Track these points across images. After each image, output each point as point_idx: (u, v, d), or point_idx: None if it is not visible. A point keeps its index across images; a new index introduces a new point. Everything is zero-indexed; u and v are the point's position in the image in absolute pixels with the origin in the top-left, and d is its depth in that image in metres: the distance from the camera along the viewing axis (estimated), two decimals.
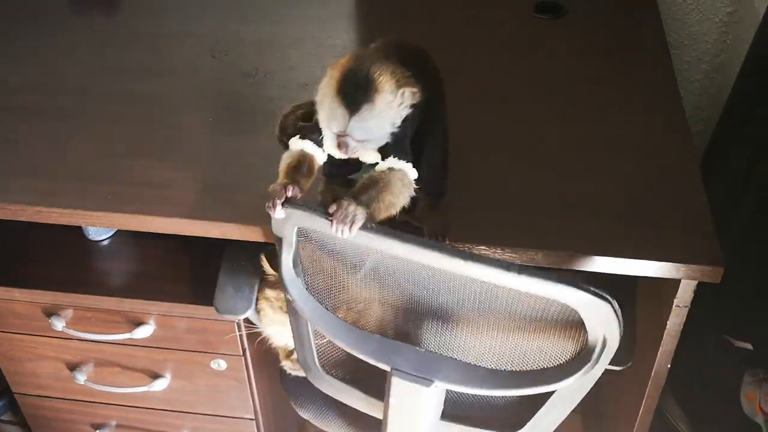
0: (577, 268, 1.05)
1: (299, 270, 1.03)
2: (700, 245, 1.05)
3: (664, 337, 1.10)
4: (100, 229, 1.36)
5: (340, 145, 0.96)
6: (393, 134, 0.97)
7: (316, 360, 1.15)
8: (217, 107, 1.34)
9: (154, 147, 1.25)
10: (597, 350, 0.90)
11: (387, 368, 1.02)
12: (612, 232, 1.08)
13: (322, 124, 0.98)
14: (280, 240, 1.00)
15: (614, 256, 1.04)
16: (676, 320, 1.09)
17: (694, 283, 1.04)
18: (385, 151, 0.99)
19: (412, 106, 0.96)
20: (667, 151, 1.21)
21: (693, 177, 1.16)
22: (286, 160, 1.01)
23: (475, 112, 1.30)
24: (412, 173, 1.00)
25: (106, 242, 1.37)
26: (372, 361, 1.03)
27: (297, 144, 1.02)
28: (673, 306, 1.07)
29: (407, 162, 0.99)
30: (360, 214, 0.92)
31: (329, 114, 0.95)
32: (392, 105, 0.94)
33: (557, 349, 0.95)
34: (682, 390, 1.57)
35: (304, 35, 1.48)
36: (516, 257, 1.06)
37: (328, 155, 1.02)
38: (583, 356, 0.92)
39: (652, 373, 1.16)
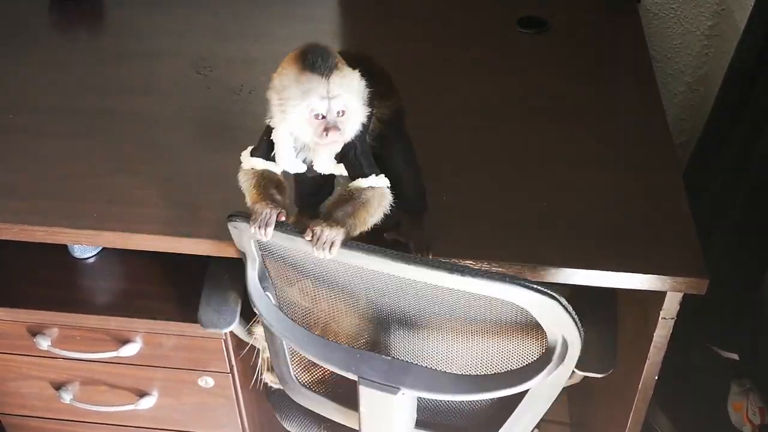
0: (563, 282, 1.06)
1: (267, 284, 1.04)
2: (684, 257, 1.06)
3: (650, 349, 1.11)
4: (85, 247, 1.35)
5: (325, 130, 0.92)
6: (358, 141, 0.96)
7: (292, 373, 1.16)
8: (202, 124, 1.34)
9: (139, 165, 1.24)
10: (558, 350, 0.92)
11: (354, 377, 1.03)
12: (597, 246, 1.08)
13: (294, 112, 0.92)
14: (243, 254, 1.01)
15: (600, 269, 1.05)
16: (662, 332, 1.09)
17: (680, 295, 1.05)
18: (354, 167, 0.98)
19: (369, 105, 0.95)
20: (651, 164, 1.22)
21: (676, 190, 1.17)
22: (250, 179, 1.00)
23: (459, 127, 1.31)
24: (386, 183, 0.99)
25: (91, 260, 1.36)
26: (339, 371, 1.05)
27: (249, 161, 1.01)
28: (659, 318, 1.07)
29: (378, 175, 0.98)
30: (338, 236, 0.91)
31: (302, 92, 0.91)
32: (356, 78, 0.93)
33: (521, 351, 0.97)
34: (669, 401, 1.57)
35: (289, 50, 1.48)
36: (502, 271, 1.06)
37: (291, 175, 1.01)
38: (545, 357, 0.94)
39: (640, 385, 1.16)
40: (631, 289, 1.06)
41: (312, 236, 0.91)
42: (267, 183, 1.00)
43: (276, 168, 1.00)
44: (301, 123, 0.93)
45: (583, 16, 1.57)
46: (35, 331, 1.31)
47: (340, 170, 1.00)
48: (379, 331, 1.05)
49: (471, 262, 1.06)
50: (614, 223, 1.12)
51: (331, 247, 0.91)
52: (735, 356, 1.56)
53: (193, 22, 1.58)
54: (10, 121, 1.34)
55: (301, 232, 0.93)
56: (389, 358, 1.03)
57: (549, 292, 0.86)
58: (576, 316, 0.89)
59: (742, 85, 1.43)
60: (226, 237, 1.10)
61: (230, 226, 1.00)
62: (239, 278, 1.16)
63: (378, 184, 0.98)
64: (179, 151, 1.28)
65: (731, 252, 1.47)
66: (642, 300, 1.14)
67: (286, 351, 1.15)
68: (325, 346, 1.06)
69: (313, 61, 0.90)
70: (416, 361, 1.04)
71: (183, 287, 1.30)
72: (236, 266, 1.18)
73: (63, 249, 1.35)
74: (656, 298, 1.08)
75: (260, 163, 1.00)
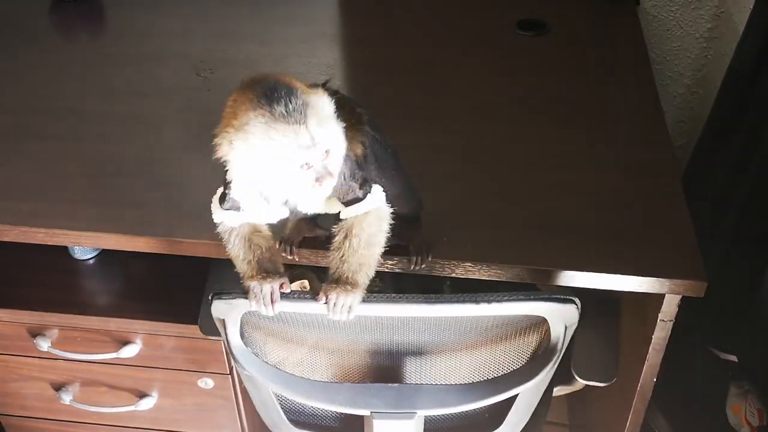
0: (561, 284, 1.06)
1: (246, 340, 1.00)
2: (683, 260, 1.06)
3: (649, 352, 1.11)
4: (85, 249, 1.35)
5: (317, 179, 0.83)
6: (343, 164, 0.87)
7: (284, 417, 1.12)
8: (202, 126, 1.33)
9: (140, 167, 1.24)
10: (560, 343, 0.93)
11: (366, 413, 1.01)
12: (596, 248, 1.08)
13: (273, 174, 0.83)
14: (221, 320, 0.96)
15: (598, 271, 1.05)
16: (660, 334, 1.09)
17: (678, 297, 1.05)
18: (346, 193, 0.90)
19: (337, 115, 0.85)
20: (650, 166, 1.22)
21: (675, 192, 1.17)
22: (236, 246, 0.92)
23: (458, 128, 1.31)
24: (381, 197, 0.92)
25: (91, 261, 1.36)
26: (348, 410, 1.02)
27: (219, 215, 0.92)
28: (658, 320, 1.08)
29: (369, 190, 0.91)
30: (354, 301, 0.89)
31: (280, 150, 0.80)
32: (325, 102, 0.82)
33: (523, 347, 0.97)
34: (668, 403, 1.57)
35: (289, 54, 1.49)
36: (502, 273, 1.06)
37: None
38: (549, 351, 0.94)
39: (638, 387, 1.16)
40: (629, 291, 1.06)
41: (327, 302, 0.89)
42: (255, 247, 0.92)
43: (249, 219, 0.92)
44: (284, 181, 0.83)
45: (583, 18, 1.57)
46: (35, 333, 1.31)
47: (333, 207, 0.92)
48: (389, 362, 1.04)
49: (470, 264, 1.06)
50: (613, 225, 1.12)
51: (349, 311, 0.89)
52: (734, 358, 1.56)
53: (193, 23, 1.58)
54: (10, 122, 1.34)
55: (313, 298, 0.90)
56: (396, 384, 1.02)
57: (569, 298, 0.88)
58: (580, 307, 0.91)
59: (742, 87, 1.43)
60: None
61: (218, 303, 0.94)
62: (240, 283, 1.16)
63: (374, 204, 0.91)
64: (180, 153, 1.28)
65: (730, 253, 1.47)
66: (641, 302, 1.14)
67: (274, 398, 1.09)
68: (329, 389, 1.02)
69: (282, 109, 0.78)
70: (424, 380, 1.03)
71: (183, 289, 1.30)
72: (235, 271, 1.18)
73: (63, 250, 1.35)
74: (655, 300, 1.08)
75: (233, 218, 0.92)
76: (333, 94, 0.87)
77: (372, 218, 0.91)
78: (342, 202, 0.91)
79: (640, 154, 1.25)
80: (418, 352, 1.01)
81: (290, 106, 0.79)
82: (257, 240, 0.93)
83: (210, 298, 0.94)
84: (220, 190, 0.93)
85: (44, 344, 1.30)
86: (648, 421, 1.58)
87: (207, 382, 1.34)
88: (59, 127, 1.33)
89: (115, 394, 1.38)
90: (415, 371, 1.03)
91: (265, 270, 0.91)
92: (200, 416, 1.40)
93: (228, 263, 1.15)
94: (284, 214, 0.92)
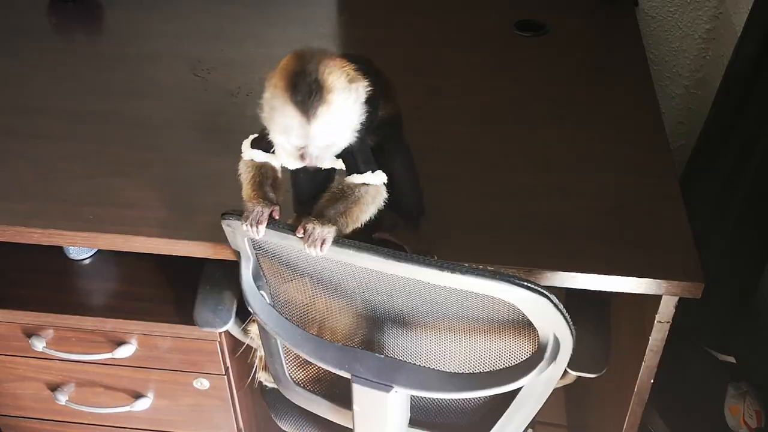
0: (558, 285, 1.06)
1: (262, 283, 1.05)
2: (680, 261, 1.06)
3: (646, 353, 1.11)
4: (80, 249, 1.35)
5: (303, 156, 0.92)
6: (356, 137, 0.94)
7: (287, 372, 1.16)
8: (199, 126, 1.34)
9: (136, 167, 1.24)
10: (549, 348, 0.92)
11: (348, 375, 1.04)
12: (593, 249, 1.08)
13: (277, 139, 0.94)
14: (238, 253, 1.02)
15: (596, 272, 1.05)
16: (658, 336, 1.09)
17: (675, 298, 1.05)
18: (350, 163, 0.97)
19: (366, 102, 0.93)
20: (648, 168, 1.22)
21: (673, 193, 1.17)
22: (248, 171, 1.00)
23: (456, 130, 1.31)
24: (382, 179, 0.98)
25: (87, 261, 1.36)
26: (332, 369, 1.05)
27: (247, 153, 1.01)
28: (655, 321, 1.07)
29: (375, 171, 0.98)
30: (329, 234, 0.92)
31: (285, 127, 0.91)
32: (348, 101, 0.91)
33: (514, 349, 0.97)
34: (665, 404, 1.57)
35: (286, 54, 1.48)
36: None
37: (292, 176, 1.02)
38: (537, 355, 0.94)
39: (636, 389, 1.16)
40: (627, 293, 1.06)
41: (303, 233, 0.92)
42: (263, 179, 1.00)
43: (275, 161, 1.00)
44: (282, 143, 0.94)
45: (581, 19, 1.57)
46: (30, 333, 1.31)
47: (340, 164, 0.99)
48: (374, 329, 1.05)
49: (466, 264, 1.05)
50: (610, 226, 1.12)
51: (322, 244, 0.91)
52: (732, 359, 1.56)
53: (190, 24, 1.58)
54: (5, 122, 1.34)
55: (293, 230, 0.93)
56: (382, 356, 1.04)
57: (540, 289, 0.87)
58: (567, 314, 0.89)
59: (741, 88, 1.43)
60: (221, 239, 1.10)
61: (224, 224, 1.00)
62: (234, 278, 1.17)
63: (372, 181, 0.97)
64: (176, 153, 1.28)
65: (729, 255, 1.47)
66: (638, 303, 1.14)
67: (281, 350, 1.15)
68: (319, 345, 1.06)
69: (300, 98, 0.88)
70: (409, 359, 1.04)
71: (178, 289, 1.30)
72: (232, 267, 1.18)
73: (58, 250, 1.35)
74: (652, 301, 1.08)
75: (259, 155, 1.00)
76: (364, 63, 0.96)
77: (368, 189, 0.97)
78: (346, 172, 0.98)
79: (637, 156, 1.25)
80: (406, 325, 1.02)
81: (306, 99, 0.88)
82: (267, 170, 1.00)
83: (221, 216, 0.99)
84: (253, 136, 1.02)
85: (39, 344, 1.30)
86: (645, 423, 1.58)
87: (202, 383, 1.34)
88: (54, 127, 1.32)
89: (111, 395, 1.38)
90: (402, 350, 1.04)
91: (264, 194, 0.97)
92: (196, 417, 1.40)
93: (221, 264, 1.16)
94: (300, 163, 0.97)
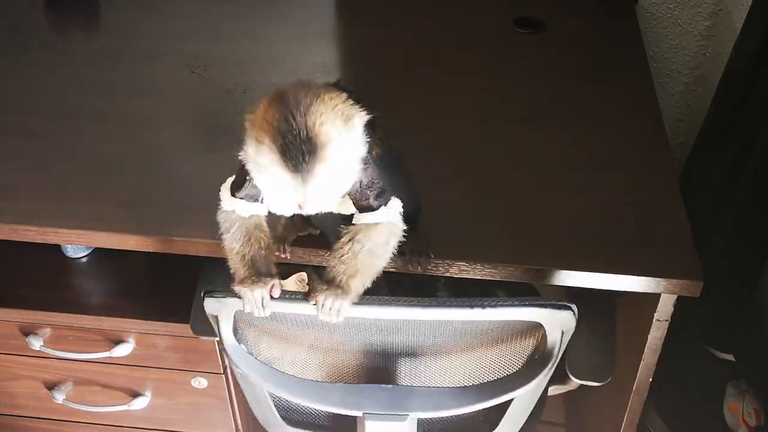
0: (556, 283, 1.05)
1: (239, 337, 0.99)
2: (679, 259, 1.05)
3: (645, 351, 1.10)
4: (78, 247, 1.35)
5: (301, 208, 0.83)
6: (361, 171, 0.85)
7: (277, 416, 1.11)
8: (196, 124, 1.33)
9: (132, 165, 1.23)
10: (557, 348, 0.92)
11: (358, 414, 1.00)
12: (592, 248, 1.08)
13: (269, 194, 0.85)
14: (214, 317, 0.96)
15: (594, 270, 1.04)
16: (656, 334, 1.09)
17: (674, 297, 1.05)
18: (360, 198, 0.89)
19: (366, 128, 0.83)
20: (647, 166, 1.22)
21: (672, 192, 1.16)
22: (232, 235, 0.92)
23: (454, 128, 1.30)
24: (396, 207, 0.91)
25: (84, 260, 1.36)
26: (340, 411, 1.01)
27: (229, 203, 0.92)
28: (654, 320, 1.07)
29: (387, 203, 0.90)
30: (345, 306, 0.88)
31: (280, 189, 0.81)
32: (346, 147, 0.80)
33: (518, 352, 0.97)
34: (664, 403, 1.57)
35: (285, 53, 1.48)
36: (495, 272, 1.06)
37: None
38: (546, 356, 0.93)
39: (634, 387, 1.15)
40: (626, 292, 1.05)
41: (316, 304, 0.88)
42: (251, 247, 0.92)
43: (261, 210, 0.92)
44: (271, 197, 0.86)
45: (581, 16, 1.56)
46: (27, 331, 1.30)
47: (346, 208, 0.91)
48: (382, 362, 1.03)
49: (464, 263, 1.05)
50: (609, 225, 1.11)
51: (338, 314, 0.88)
52: (731, 357, 1.55)
53: (188, 21, 1.57)
54: (3, 120, 1.33)
55: (304, 299, 0.89)
56: (390, 386, 1.01)
57: (566, 304, 0.87)
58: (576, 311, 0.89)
59: (740, 85, 1.42)
60: (219, 237, 1.09)
61: (211, 301, 0.93)
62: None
63: (388, 218, 0.90)
64: (173, 151, 1.27)
65: (728, 252, 1.46)
66: (637, 302, 1.14)
67: (268, 396, 1.07)
68: (321, 389, 1.01)
69: (293, 161, 0.78)
70: (418, 382, 1.02)
71: (176, 287, 1.29)
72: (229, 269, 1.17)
73: (56, 248, 1.34)
74: (651, 299, 1.07)
75: (244, 208, 0.91)
76: (343, 91, 0.85)
77: (382, 229, 0.90)
78: (356, 206, 0.90)
79: (637, 154, 1.24)
80: (413, 354, 1.00)
81: (302, 163, 0.78)
82: (258, 235, 0.92)
83: (202, 295, 0.94)
84: (231, 179, 0.93)
85: (36, 343, 1.29)
86: (644, 421, 1.57)
87: (200, 382, 1.33)
88: (51, 125, 1.32)
89: (108, 394, 1.37)
90: (408, 373, 1.03)
91: (258, 270, 0.91)
92: (194, 416, 1.40)
93: (220, 262, 1.15)
94: (296, 211, 0.89)
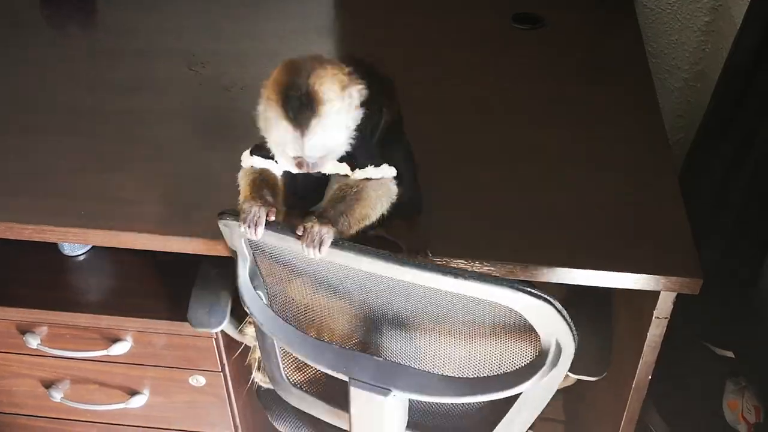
0: (555, 281, 1.05)
1: (259, 283, 1.03)
2: (678, 257, 1.05)
3: (644, 349, 1.10)
4: (75, 245, 1.34)
5: (300, 164, 0.94)
6: (355, 139, 0.94)
7: (283, 373, 1.15)
8: (194, 121, 1.33)
9: (130, 162, 1.23)
10: (551, 354, 0.91)
11: (345, 378, 1.03)
12: (591, 245, 1.07)
13: (275, 149, 0.96)
14: (235, 252, 1.01)
15: (593, 268, 1.04)
16: (656, 331, 1.08)
17: (674, 294, 1.04)
18: (353, 160, 0.96)
19: (363, 104, 0.93)
20: (646, 163, 1.21)
21: (671, 189, 1.16)
22: (246, 176, 1.00)
23: (452, 124, 1.29)
24: (389, 173, 0.97)
25: (81, 257, 1.35)
26: (329, 371, 1.04)
27: (247, 160, 1.01)
28: (653, 318, 1.06)
29: (379, 166, 0.97)
30: (328, 234, 0.90)
31: (280, 140, 0.92)
32: (341, 110, 0.91)
33: (515, 353, 0.96)
34: (663, 400, 1.57)
35: (282, 48, 1.47)
36: (494, 270, 1.05)
37: (286, 173, 1.01)
38: (538, 360, 0.93)
39: (633, 384, 1.15)
40: (625, 289, 1.05)
41: (302, 233, 0.90)
42: (261, 182, 0.99)
43: (276, 167, 1.00)
44: (277, 153, 0.96)
45: (579, 11, 1.55)
46: (25, 330, 1.30)
47: (344, 169, 0.98)
48: (372, 331, 1.04)
49: (462, 261, 1.05)
50: (608, 222, 1.11)
51: (320, 246, 0.90)
52: (730, 354, 1.55)
53: (185, 18, 1.57)
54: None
55: (292, 231, 0.92)
56: (380, 359, 1.02)
57: (543, 295, 0.85)
58: (570, 321, 0.88)
59: (740, 80, 1.42)
60: (217, 235, 1.08)
61: (221, 224, 0.99)
62: (230, 277, 1.16)
63: (376, 174, 0.96)
64: (170, 148, 1.26)
65: (728, 248, 1.46)
66: (636, 299, 1.13)
67: (278, 350, 1.14)
68: (316, 346, 1.05)
69: (290, 112, 0.89)
70: (408, 363, 1.03)
71: (174, 285, 1.29)
72: (227, 265, 1.17)
73: (53, 246, 1.34)
74: (650, 297, 1.07)
75: (259, 162, 1.00)
76: (363, 65, 0.96)
77: (375, 184, 0.96)
78: (351, 170, 0.97)
79: (635, 151, 1.24)
80: (405, 328, 1.00)
81: (298, 114, 0.89)
82: (266, 176, 1.00)
83: (218, 216, 0.98)
84: (251, 147, 1.01)
85: (33, 341, 1.29)
86: (643, 418, 1.57)
87: (198, 380, 1.33)
88: (47, 122, 1.31)
89: (106, 392, 1.37)
90: (401, 353, 1.03)
91: (261, 197, 0.96)
92: (192, 414, 1.39)
93: (217, 260, 1.15)
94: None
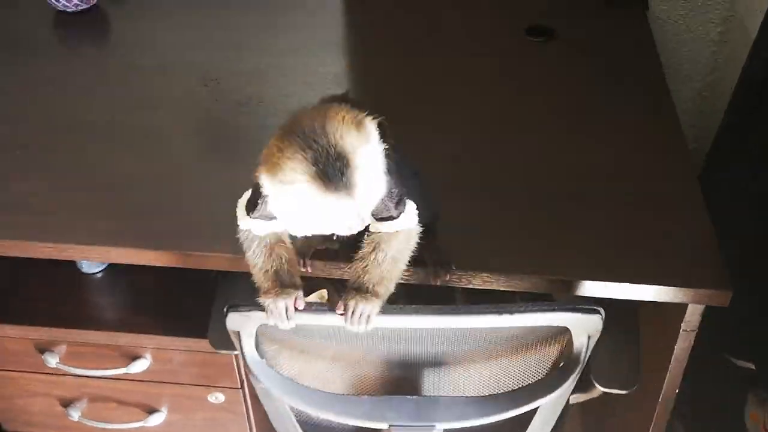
0: (581, 294, 1.04)
1: (261, 352, 0.98)
2: (705, 268, 1.04)
3: (672, 362, 1.09)
4: (93, 263, 1.33)
5: (351, 227, 0.83)
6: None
7: (299, 431, 1.10)
8: (211, 137, 1.32)
9: (148, 179, 1.22)
10: (583, 354, 0.90)
11: (384, 426, 0.99)
12: (616, 257, 1.07)
13: (311, 227, 0.85)
14: (236, 333, 0.94)
15: (618, 281, 1.03)
16: (683, 345, 1.07)
17: (702, 307, 1.03)
18: (380, 211, 0.89)
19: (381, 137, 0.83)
20: (667, 173, 1.21)
21: (695, 199, 1.15)
22: (253, 252, 0.92)
23: (470, 137, 1.29)
24: (412, 213, 0.91)
25: (99, 275, 1.34)
26: (366, 424, 0.99)
27: (246, 223, 0.92)
28: (681, 330, 1.06)
29: (403, 209, 0.90)
30: (373, 310, 0.87)
31: (330, 214, 0.80)
32: (370, 150, 0.80)
33: (543, 360, 0.95)
34: (685, 411, 1.55)
35: (296, 64, 1.48)
36: (519, 284, 1.04)
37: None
38: (571, 362, 0.92)
39: (660, 398, 1.14)
40: (650, 302, 1.04)
41: (345, 312, 0.87)
42: (273, 262, 0.91)
43: (280, 227, 0.91)
44: (320, 229, 0.86)
45: (592, 24, 1.56)
46: (43, 348, 1.29)
47: (370, 224, 0.90)
48: (408, 372, 1.02)
49: (487, 275, 1.04)
50: (633, 234, 1.10)
51: (367, 321, 0.87)
52: (751, 365, 1.53)
53: (198, 34, 1.57)
54: (16, 135, 1.32)
55: (330, 309, 0.88)
56: (415, 397, 1.00)
57: (594, 308, 0.86)
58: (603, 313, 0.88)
59: (756, 92, 1.41)
60: (235, 250, 1.08)
61: (233, 316, 0.92)
62: (251, 293, 1.15)
63: (406, 225, 0.90)
64: (188, 164, 1.26)
65: (746, 259, 1.45)
66: (662, 312, 1.12)
67: (290, 411, 1.06)
68: (349, 403, 1.00)
69: (335, 182, 0.77)
70: (443, 392, 1.01)
71: (193, 302, 1.28)
72: (247, 280, 1.16)
73: (71, 264, 1.33)
74: (677, 310, 1.06)
75: (260, 227, 0.91)
76: (352, 103, 0.86)
77: (402, 236, 0.90)
78: (375, 218, 0.90)
79: (655, 160, 1.23)
80: (437, 363, 0.99)
81: (342, 179, 0.77)
82: (279, 250, 0.92)
83: (225, 310, 0.93)
84: (247, 195, 0.92)
85: (52, 360, 1.28)
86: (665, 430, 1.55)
87: (217, 397, 1.32)
88: (66, 140, 1.31)
89: (125, 410, 1.36)
90: (433, 382, 1.01)
91: (282, 283, 0.90)
92: (210, 431, 1.38)
93: (238, 276, 1.14)
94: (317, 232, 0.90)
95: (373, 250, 0.90)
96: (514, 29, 1.53)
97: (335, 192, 0.78)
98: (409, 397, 0.99)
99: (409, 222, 0.91)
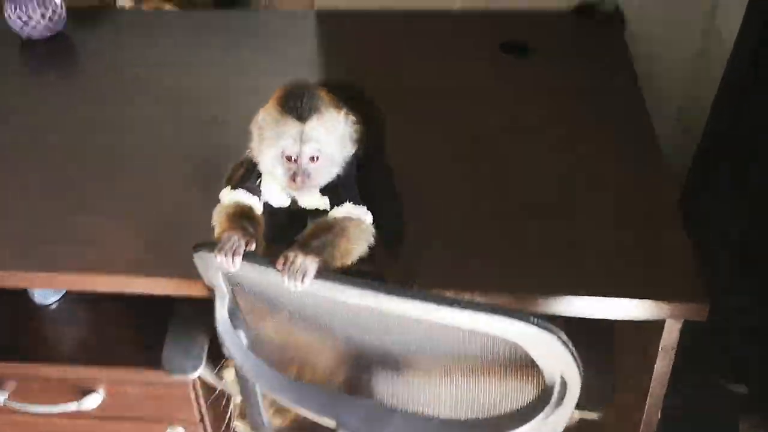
0: (553, 311, 0.98)
1: (239, 322, 0.96)
2: (682, 282, 1.00)
3: (652, 382, 1.04)
4: (46, 292, 1.28)
5: (294, 175, 0.92)
6: (341, 172, 0.94)
7: (265, 419, 1.08)
8: (174, 158, 1.28)
9: (103, 202, 1.18)
10: (556, 391, 0.83)
11: (332, 423, 0.96)
12: (591, 273, 1.02)
13: (267, 157, 0.94)
14: (212, 290, 0.95)
15: (594, 296, 0.97)
16: (663, 363, 1.02)
17: (680, 323, 0.98)
18: (335, 197, 0.95)
19: (357, 141, 0.94)
20: (644, 188, 1.16)
21: (672, 214, 1.11)
22: (224, 210, 0.96)
23: (443, 154, 1.25)
24: (368, 218, 0.95)
25: (53, 306, 1.28)
26: (315, 416, 0.97)
27: (230, 195, 0.98)
28: (660, 349, 1.00)
29: (361, 206, 0.95)
30: (311, 265, 0.84)
31: (277, 133, 0.92)
32: (339, 121, 0.93)
33: (515, 392, 0.88)
34: None
35: (264, 84, 1.40)
36: (485, 300, 0.99)
37: (269, 208, 0.97)
38: (542, 398, 0.85)
39: (642, 423, 1.08)
40: (628, 320, 0.98)
41: (284, 263, 0.84)
42: (240, 215, 0.95)
43: (257, 203, 0.98)
44: (274, 163, 0.94)
45: (568, 40, 1.53)
46: None
47: (324, 203, 0.96)
48: (361, 370, 0.97)
49: (452, 292, 0.98)
50: (608, 249, 1.06)
51: (303, 277, 0.83)
52: (743, 389, 1.48)
53: (166, 57, 1.53)
54: None
55: (272, 262, 0.85)
56: (370, 401, 0.95)
57: (545, 324, 0.77)
58: (576, 354, 0.80)
59: (733, 106, 1.38)
60: (192, 275, 1.02)
61: (196, 257, 0.92)
62: (206, 317, 1.09)
63: (356, 213, 0.94)
64: (147, 187, 1.21)
65: (736, 279, 1.40)
66: (640, 331, 1.07)
67: (259, 395, 1.06)
68: (301, 390, 0.98)
69: (293, 104, 0.91)
70: (400, 404, 0.96)
71: (149, 333, 1.21)
72: (202, 305, 1.10)
73: (24, 295, 1.27)
74: (655, 328, 1.01)
75: (243, 196, 0.97)
76: (356, 93, 1.02)
77: (354, 223, 0.93)
78: (330, 202, 0.96)
79: (632, 175, 1.19)
80: (396, 366, 0.93)
81: (299, 104, 0.91)
82: (245, 209, 0.97)
83: (193, 247, 0.93)
84: (227, 187, 0.99)
85: (1, 397, 1.21)
86: None
87: (177, 431, 1.25)
88: (18, 163, 1.27)
89: None
90: (394, 394, 0.96)
91: (240, 226, 0.92)
92: None
93: (191, 303, 1.08)
94: (285, 202, 0.99)
95: (327, 222, 0.94)
96: (488, 45, 1.50)
97: (289, 113, 0.91)
98: (365, 399, 0.95)
99: (360, 213, 0.94)
